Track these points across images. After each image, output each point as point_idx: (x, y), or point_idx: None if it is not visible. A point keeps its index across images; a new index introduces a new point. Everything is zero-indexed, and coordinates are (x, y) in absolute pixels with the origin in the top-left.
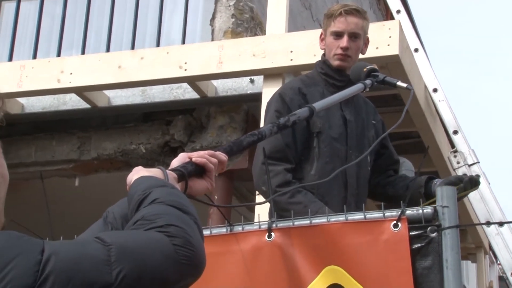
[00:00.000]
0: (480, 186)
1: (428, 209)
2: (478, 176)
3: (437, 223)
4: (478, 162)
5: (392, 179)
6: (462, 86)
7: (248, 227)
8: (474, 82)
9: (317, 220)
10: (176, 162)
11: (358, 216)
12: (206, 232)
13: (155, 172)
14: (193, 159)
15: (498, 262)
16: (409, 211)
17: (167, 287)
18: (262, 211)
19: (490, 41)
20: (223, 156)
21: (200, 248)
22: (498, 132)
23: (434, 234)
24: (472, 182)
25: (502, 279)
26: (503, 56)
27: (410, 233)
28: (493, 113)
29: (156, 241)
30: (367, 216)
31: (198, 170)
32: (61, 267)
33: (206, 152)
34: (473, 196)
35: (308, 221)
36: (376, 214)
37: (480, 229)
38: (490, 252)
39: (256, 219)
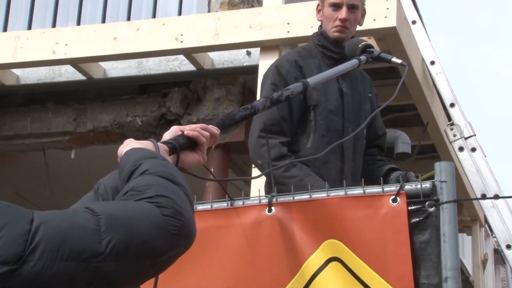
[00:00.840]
0: (476, 159)
1: (427, 184)
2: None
3: (435, 197)
4: (475, 135)
5: (365, 159)
6: (470, 55)
7: (248, 202)
8: (479, 50)
9: (316, 195)
10: (168, 135)
11: (357, 190)
12: (207, 206)
13: (146, 144)
14: (185, 132)
15: (494, 235)
16: (408, 186)
17: (156, 257)
18: (258, 184)
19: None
20: (215, 129)
21: (190, 218)
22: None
23: (432, 208)
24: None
25: (498, 251)
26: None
27: (409, 208)
28: (498, 82)
29: (146, 211)
30: (366, 191)
31: (190, 143)
32: (50, 236)
33: (198, 125)
34: (469, 168)
35: (308, 196)
36: (375, 189)
37: (476, 202)
38: (486, 225)
39: (252, 193)
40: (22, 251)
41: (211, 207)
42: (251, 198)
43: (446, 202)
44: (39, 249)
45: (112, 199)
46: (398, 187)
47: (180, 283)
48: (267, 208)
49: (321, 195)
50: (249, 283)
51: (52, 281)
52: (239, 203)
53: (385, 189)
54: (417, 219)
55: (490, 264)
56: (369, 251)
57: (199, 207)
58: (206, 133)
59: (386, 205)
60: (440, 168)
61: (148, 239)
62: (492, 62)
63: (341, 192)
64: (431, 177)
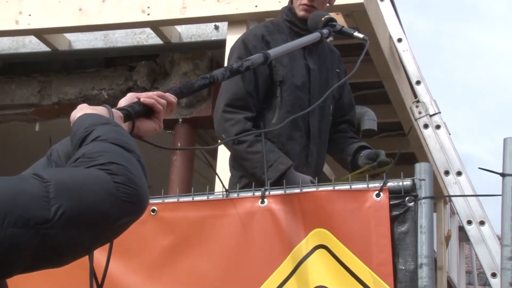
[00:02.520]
0: (441, 136)
1: (407, 182)
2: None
3: (414, 193)
4: (439, 113)
5: (336, 136)
6: (446, 33)
7: (242, 194)
8: (458, 27)
9: (306, 189)
10: (123, 102)
11: (344, 186)
12: (203, 198)
13: (100, 110)
14: (141, 99)
15: (459, 214)
16: (390, 183)
17: (107, 224)
18: (223, 157)
19: None
20: (172, 97)
21: (142, 186)
22: (481, 76)
23: (411, 203)
24: (382, 163)
25: (462, 229)
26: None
27: (390, 202)
28: (477, 59)
29: (97, 178)
30: (352, 186)
31: (146, 111)
32: None
33: (155, 92)
34: (433, 145)
35: (299, 189)
36: (361, 185)
37: (440, 179)
38: (451, 203)
39: (218, 168)
40: None
41: (207, 198)
42: (245, 191)
43: (424, 198)
44: None
45: (64, 164)
46: (382, 184)
47: (177, 269)
48: (260, 199)
49: (311, 189)
50: (243, 268)
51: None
52: (234, 195)
53: (370, 185)
54: (398, 213)
55: (455, 241)
56: (354, 240)
57: (198, 198)
58: (163, 101)
59: (370, 199)
60: (420, 168)
61: (98, 206)
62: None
63: (329, 187)
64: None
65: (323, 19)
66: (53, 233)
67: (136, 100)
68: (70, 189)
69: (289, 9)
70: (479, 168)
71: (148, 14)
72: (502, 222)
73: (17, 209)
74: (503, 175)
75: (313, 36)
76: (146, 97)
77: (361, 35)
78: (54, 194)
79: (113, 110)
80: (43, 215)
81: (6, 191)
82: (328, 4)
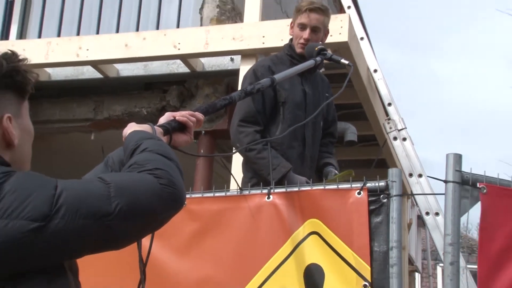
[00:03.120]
0: (406, 146)
1: (382, 183)
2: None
3: (387, 192)
4: (406, 128)
5: (320, 149)
6: (411, 63)
7: (252, 191)
8: (423, 59)
9: (303, 188)
10: (162, 119)
11: (333, 186)
12: (221, 194)
13: (145, 127)
14: (177, 118)
15: (417, 205)
16: (369, 184)
17: (153, 217)
18: (237, 162)
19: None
20: (200, 115)
21: (180, 187)
22: (445, 99)
23: (385, 200)
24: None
25: (420, 218)
26: (448, 35)
27: (369, 199)
28: (429, 83)
29: (147, 181)
30: (339, 186)
31: (180, 126)
32: (71, 200)
33: (187, 112)
34: (400, 154)
35: (297, 188)
36: (346, 185)
37: (404, 180)
38: (412, 198)
39: (233, 169)
40: (48, 211)
41: (225, 194)
42: (255, 189)
43: (395, 196)
44: (61, 210)
45: (118, 170)
46: (362, 184)
47: (200, 249)
48: (267, 196)
49: (307, 188)
50: (252, 249)
51: (72, 235)
52: (245, 192)
53: (353, 185)
54: (374, 207)
55: (414, 227)
56: (339, 228)
57: (218, 194)
58: (193, 118)
59: (353, 196)
60: (392, 173)
61: (148, 203)
62: (428, 67)
63: (321, 187)
64: (349, 174)
65: (316, 48)
66: (113, 224)
67: (172, 118)
68: (126, 189)
69: (290, 46)
70: (427, 176)
71: (179, 49)
72: (445, 216)
73: (86, 205)
74: (445, 181)
75: (309, 63)
76: (180, 115)
77: (346, 62)
78: (114, 193)
79: (155, 126)
80: (106, 209)
81: (78, 191)
82: (320, 42)
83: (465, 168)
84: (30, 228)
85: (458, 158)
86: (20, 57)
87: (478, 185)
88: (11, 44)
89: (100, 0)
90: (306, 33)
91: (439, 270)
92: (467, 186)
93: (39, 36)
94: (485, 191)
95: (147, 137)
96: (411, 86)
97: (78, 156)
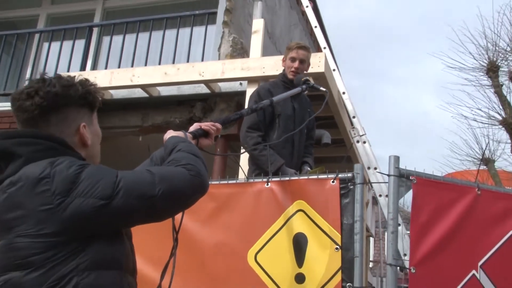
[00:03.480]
0: (366, 148)
1: (349, 174)
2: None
3: (353, 180)
4: (365, 134)
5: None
6: (369, 87)
7: (256, 180)
8: (378, 87)
9: (293, 177)
10: (192, 128)
11: (314, 176)
12: (232, 181)
13: (179, 133)
14: (202, 126)
15: (373, 189)
16: (340, 175)
17: (185, 199)
18: (244, 158)
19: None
20: (219, 125)
21: (205, 177)
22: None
23: (352, 186)
24: (311, 169)
25: (375, 199)
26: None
27: (340, 186)
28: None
29: (181, 172)
30: (319, 176)
31: (204, 133)
32: (127, 185)
33: (209, 123)
34: (361, 153)
35: (288, 178)
36: (323, 176)
37: (364, 172)
38: (370, 184)
39: (241, 163)
40: (111, 192)
41: (236, 181)
42: (257, 177)
43: (359, 183)
44: (120, 192)
45: (160, 164)
46: (335, 175)
47: (216, 222)
48: (266, 183)
49: (295, 178)
50: (254, 222)
51: (127, 210)
52: (250, 180)
53: (328, 175)
54: (344, 191)
55: (370, 205)
56: (319, 207)
57: (230, 181)
58: (214, 128)
59: (329, 184)
60: (357, 167)
61: (181, 188)
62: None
63: (305, 176)
64: (321, 169)
65: (302, 79)
66: (156, 203)
67: (199, 127)
68: (166, 178)
69: (283, 75)
70: (376, 171)
71: (203, 76)
72: (388, 200)
73: (138, 189)
74: (388, 175)
75: (297, 90)
76: (205, 125)
77: (324, 89)
78: (158, 181)
79: (187, 133)
80: (152, 193)
81: (132, 178)
82: (305, 72)
83: (402, 165)
84: (99, 205)
85: (396, 158)
86: (92, 82)
87: (410, 178)
88: (87, 74)
89: (148, 42)
90: (296, 64)
91: (386, 235)
92: (403, 178)
93: (106, 68)
94: (415, 181)
95: (181, 140)
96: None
97: (131, 153)
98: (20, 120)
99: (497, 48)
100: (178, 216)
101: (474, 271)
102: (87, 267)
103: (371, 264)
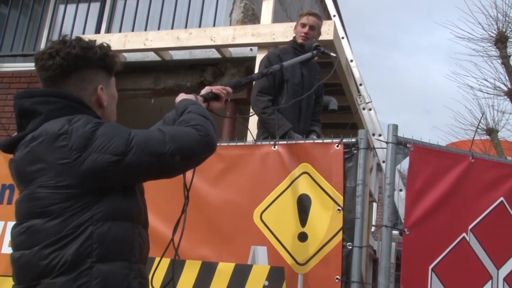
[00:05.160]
0: (371, 114)
1: (353, 139)
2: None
3: (357, 146)
4: (371, 101)
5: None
6: (379, 54)
7: (264, 142)
8: (384, 54)
9: (299, 141)
10: (203, 91)
11: (319, 140)
12: (241, 143)
13: (190, 96)
14: (213, 90)
15: (378, 156)
16: (344, 140)
17: (194, 157)
18: (254, 122)
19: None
20: (229, 89)
21: (213, 137)
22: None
23: (356, 151)
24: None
25: (379, 165)
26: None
27: (344, 150)
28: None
29: (190, 132)
30: (324, 141)
31: (215, 96)
32: (139, 143)
33: (220, 86)
34: (367, 119)
35: (295, 141)
36: (328, 140)
37: (370, 138)
38: (374, 150)
39: (250, 125)
40: (125, 149)
41: (244, 143)
42: (266, 140)
43: (362, 148)
44: (133, 149)
45: (172, 124)
46: (340, 140)
47: (225, 181)
48: (273, 146)
49: (301, 141)
50: (262, 182)
51: (139, 166)
52: (258, 142)
53: (333, 140)
54: (348, 156)
55: (374, 171)
56: (323, 170)
57: (239, 143)
58: (225, 91)
59: (333, 148)
60: (361, 132)
61: (190, 147)
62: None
63: (310, 140)
64: None
65: (313, 45)
66: (167, 160)
67: (210, 90)
68: (176, 137)
69: (294, 41)
70: (377, 138)
71: (214, 41)
72: (385, 165)
73: (150, 147)
74: (387, 142)
75: (308, 55)
76: (215, 89)
77: (334, 54)
78: (168, 139)
79: (198, 96)
80: (162, 150)
81: (144, 136)
82: (314, 39)
83: (400, 133)
84: (113, 160)
85: (395, 127)
86: (110, 49)
87: (407, 145)
88: (101, 37)
89: (161, 6)
90: (306, 29)
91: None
92: (400, 145)
93: (120, 31)
94: (412, 149)
95: (192, 103)
96: (375, 70)
97: (143, 114)
98: (42, 78)
99: (507, 18)
100: (188, 176)
101: (464, 234)
102: (102, 218)
103: (373, 229)
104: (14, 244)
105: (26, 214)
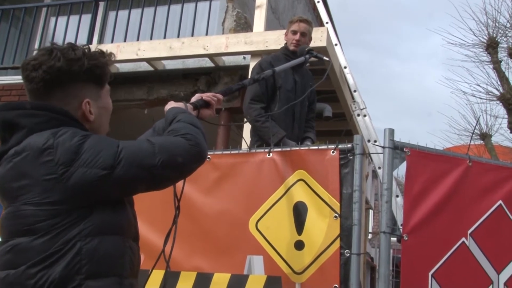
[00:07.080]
0: (366, 120)
1: (349, 145)
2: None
3: (353, 152)
4: (366, 108)
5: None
6: (375, 61)
7: (258, 150)
8: (381, 61)
9: (293, 148)
10: (193, 99)
11: (315, 147)
12: (235, 151)
13: (180, 104)
14: (203, 97)
15: (373, 162)
16: (340, 146)
17: (184, 168)
18: (247, 129)
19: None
20: (220, 96)
21: (203, 147)
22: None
23: (351, 157)
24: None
25: (374, 172)
26: (402, 42)
27: (340, 156)
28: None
29: (180, 142)
30: (319, 147)
31: (205, 104)
32: (128, 155)
33: (210, 93)
34: (361, 126)
35: (289, 148)
36: (324, 146)
37: (365, 144)
38: (369, 157)
39: (244, 134)
40: (113, 162)
41: (238, 152)
42: (260, 148)
43: (358, 154)
44: (122, 162)
45: (161, 134)
46: (335, 146)
47: (220, 190)
48: (268, 153)
49: (296, 148)
50: (256, 190)
51: (129, 179)
52: (253, 150)
53: (329, 146)
54: (343, 162)
55: (370, 178)
56: (319, 176)
57: (233, 151)
58: (215, 98)
59: (329, 154)
60: (356, 138)
61: (180, 157)
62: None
63: (305, 147)
64: None
65: (306, 49)
66: (157, 172)
67: (200, 97)
68: (166, 148)
69: (285, 48)
70: (372, 144)
71: (207, 50)
72: (382, 171)
73: (139, 159)
74: (383, 147)
75: (300, 60)
76: (206, 96)
77: (327, 58)
78: (158, 151)
79: (187, 104)
80: (152, 162)
81: (133, 149)
82: (306, 45)
83: (396, 138)
84: (101, 174)
85: (391, 131)
86: (108, 54)
87: (404, 150)
88: (93, 48)
89: (154, 15)
90: (297, 36)
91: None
92: (397, 150)
93: (112, 41)
94: (409, 153)
95: (181, 111)
96: (369, 76)
97: (137, 125)
98: (27, 89)
99: (497, 24)
100: (179, 185)
101: (463, 239)
102: (90, 233)
103: (370, 236)
104: (0, 263)
105: (12, 232)
